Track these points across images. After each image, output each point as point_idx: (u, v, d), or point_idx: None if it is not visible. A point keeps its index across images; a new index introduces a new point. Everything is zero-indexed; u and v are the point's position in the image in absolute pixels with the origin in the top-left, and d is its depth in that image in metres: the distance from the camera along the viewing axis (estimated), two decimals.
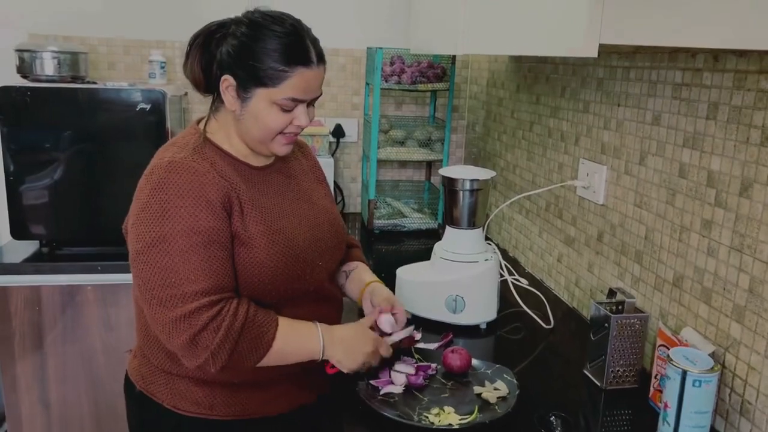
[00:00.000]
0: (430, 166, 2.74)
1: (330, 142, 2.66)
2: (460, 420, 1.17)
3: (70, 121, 2.10)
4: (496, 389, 1.28)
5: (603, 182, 1.61)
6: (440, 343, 1.45)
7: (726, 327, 1.19)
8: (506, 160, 2.30)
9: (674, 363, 1.10)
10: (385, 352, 1.28)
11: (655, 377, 1.26)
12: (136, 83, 2.25)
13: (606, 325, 1.30)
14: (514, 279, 1.88)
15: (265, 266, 1.17)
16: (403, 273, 1.69)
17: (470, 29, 1.44)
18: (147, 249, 1.10)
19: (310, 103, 1.22)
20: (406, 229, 2.48)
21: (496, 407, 1.22)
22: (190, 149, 1.17)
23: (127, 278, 1.20)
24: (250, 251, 1.16)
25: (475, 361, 1.37)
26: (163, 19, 2.52)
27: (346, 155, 2.79)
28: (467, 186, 1.59)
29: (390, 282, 1.65)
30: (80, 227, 2.19)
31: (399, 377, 1.29)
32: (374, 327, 1.31)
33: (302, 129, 1.22)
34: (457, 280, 1.59)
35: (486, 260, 1.60)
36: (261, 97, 1.16)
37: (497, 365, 1.37)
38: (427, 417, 1.18)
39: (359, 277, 1.44)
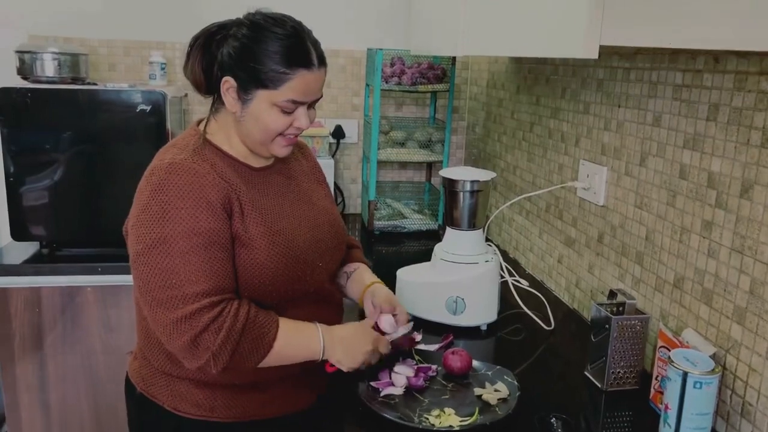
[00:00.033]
0: (430, 167, 2.74)
1: (330, 143, 2.66)
2: (460, 422, 1.17)
3: (70, 122, 2.10)
4: (496, 391, 1.28)
5: (603, 183, 1.61)
6: (441, 345, 1.45)
7: (727, 328, 1.19)
8: (506, 161, 2.30)
9: (675, 364, 1.10)
10: (385, 349, 1.28)
11: (656, 379, 1.26)
12: (137, 84, 2.25)
13: (607, 326, 1.30)
14: (515, 280, 1.88)
15: (266, 267, 1.17)
16: (404, 274, 1.69)
17: (470, 30, 1.44)
18: (147, 250, 1.10)
19: (311, 105, 1.22)
20: (406, 230, 2.48)
21: (497, 409, 1.22)
22: (191, 150, 1.17)
23: (127, 279, 1.20)
24: (250, 252, 1.16)
25: (475, 363, 1.37)
26: (163, 21, 2.52)
27: (347, 156, 2.79)
28: (467, 187, 1.59)
29: (390, 283, 1.65)
30: (80, 228, 2.19)
31: (399, 379, 1.29)
32: (375, 327, 1.31)
33: (302, 131, 1.22)
34: (457, 281, 1.59)
35: (486, 261, 1.60)
36: (262, 98, 1.16)
37: (498, 367, 1.36)
38: (428, 419, 1.18)
39: (360, 278, 1.44)
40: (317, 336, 1.20)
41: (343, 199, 2.80)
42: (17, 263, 2.13)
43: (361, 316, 1.40)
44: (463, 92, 2.81)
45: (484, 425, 1.17)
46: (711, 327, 1.23)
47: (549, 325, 1.65)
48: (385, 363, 1.33)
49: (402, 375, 1.30)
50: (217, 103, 1.23)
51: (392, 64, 2.37)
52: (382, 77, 2.33)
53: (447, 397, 1.27)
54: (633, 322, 1.31)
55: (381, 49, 2.30)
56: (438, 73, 2.40)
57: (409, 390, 1.28)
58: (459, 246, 1.61)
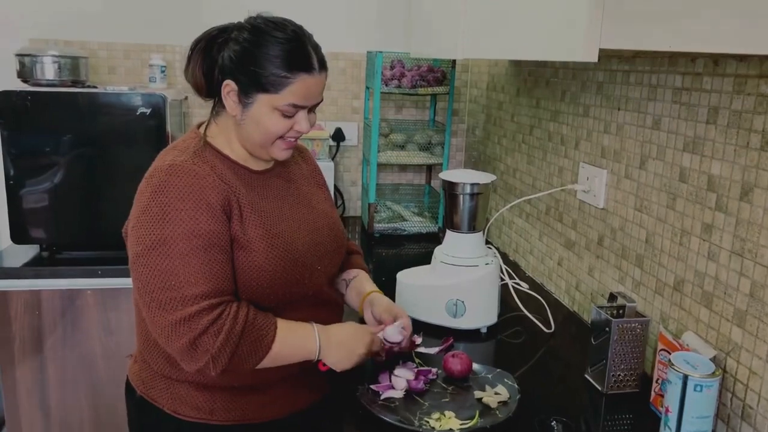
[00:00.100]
0: (430, 169, 2.74)
1: (330, 146, 2.66)
2: (460, 425, 1.17)
3: (70, 125, 2.10)
4: (496, 394, 1.28)
5: (603, 186, 1.61)
6: (441, 348, 1.45)
7: (727, 331, 1.19)
8: (506, 164, 2.30)
9: (675, 367, 1.10)
10: (377, 347, 1.28)
11: (656, 382, 1.26)
12: (137, 87, 2.25)
13: (607, 329, 1.30)
14: (515, 283, 1.88)
15: (264, 270, 1.17)
16: (404, 277, 1.69)
17: (470, 33, 1.44)
18: (147, 252, 1.10)
19: (311, 109, 1.22)
20: (406, 232, 2.48)
21: (497, 412, 1.22)
22: (191, 153, 1.18)
23: (127, 282, 1.20)
24: (249, 255, 1.16)
25: (475, 366, 1.37)
26: (163, 24, 2.52)
27: (346, 159, 2.79)
28: (467, 190, 1.59)
29: (390, 286, 1.66)
30: (80, 231, 2.19)
31: (400, 382, 1.29)
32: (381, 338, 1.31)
33: (302, 134, 1.23)
34: (457, 284, 1.58)
35: (486, 264, 1.60)
36: (262, 102, 1.16)
37: (498, 370, 1.36)
38: (428, 422, 1.18)
39: (359, 286, 1.44)
40: (313, 336, 1.20)
41: (343, 202, 2.81)
42: (17, 266, 2.12)
43: (362, 322, 1.40)
44: (463, 95, 2.81)
45: (484, 428, 1.17)
46: (711, 330, 1.23)
47: (549, 327, 1.65)
48: (385, 366, 1.33)
49: (402, 378, 1.29)
50: (218, 106, 1.23)
51: (392, 67, 2.37)
52: (382, 80, 2.33)
53: (447, 400, 1.27)
54: (633, 325, 1.31)
55: (381, 52, 2.30)
56: (438, 75, 2.40)
57: (410, 393, 1.28)
58: (459, 249, 1.61)
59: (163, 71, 2.42)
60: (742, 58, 1.15)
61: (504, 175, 2.32)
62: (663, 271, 1.38)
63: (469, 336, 1.59)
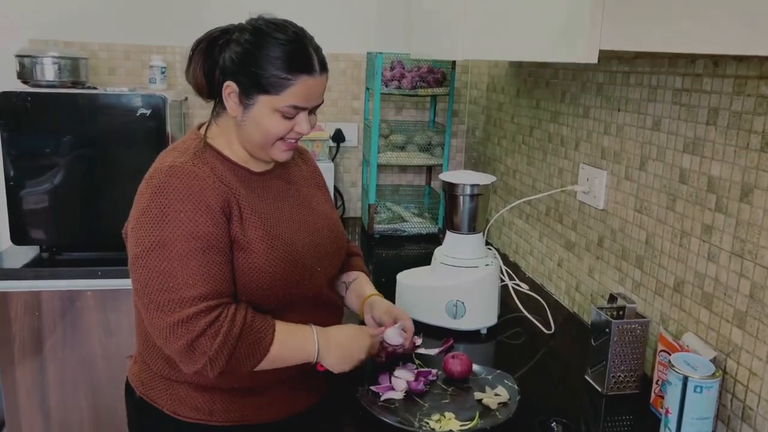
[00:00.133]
0: (430, 170, 2.74)
1: (330, 147, 2.66)
2: (461, 426, 1.17)
3: (70, 126, 2.10)
4: (496, 395, 1.27)
5: (603, 187, 1.61)
6: (441, 349, 1.45)
7: (727, 332, 1.19)
8: (506, 165, 2.30)
9: (675, 369, 1.10)
10: (375, 350, 1.28)
11: (657, 383, 1.26)
12: (137, 88, 2.25)
13: (607, 330, 1.30)
14: (515, 284, 1.88)
15: (264, 271, 1.17)
16: (404, 278, 1.69)
17: (470, 34, 1.44)
18: (146, 253, 1.10)
19: (312, 111, 1.23)
20: (406, 233, 2.48)
21: (497, 413, 1.22)
22: (191, 154, 1.18)
23: (127, 283, 1.20)
24: (248, 256, 1.16)
25: (475, 367, 1.37)
26: (163, 25, 2.53)
27: (346, 160, 2.79)
28: (467, 191, 1.59)
29: (390, 287, 1.66)
30: (80, 232, 2.19)
31: (400, 383, 1.29)
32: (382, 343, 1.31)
33: (303, 136, 1.23)
34: (457, 285, 1.58)
35: (486, 265, 1.60)
36: (263, 103, 1.16)
37: (498, 371, 1.36)
38: (428, 423, 1.18)
39: (359, 289, 1.44)
40: (312, 339, 1.20)
41: (343, 203, 2.81)
42: (17, 267, 2.12)
43: (362, 324, 1.40)
44: (463, 96, 2.81)
45: (484, 429, 1.17)
46: (711, 331, 1.23)
47: (549, 328, 1.65)
48: (385, 367, 1.33)
49: (402, 379, 1.29)
50: (219, 107, 1.23)
51: (392, 68, 2.37)
52: (382, 81, 2.33)
53: (447, 401, 1.27)
54: (633, 325, 1.31)
55: (381, 53, 2.30)
56: (438, 76, 2.40)
57: (410, 394, 1.28)
58: (459, 249, 1.61)
59: (163, 72, 2.42)
60: (741, 59, 1.15)
61: (504, 176, 2.32)
62: (663, 272, 1.38)
63: (469, 337, 1.59)
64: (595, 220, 1.67)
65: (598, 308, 1.34)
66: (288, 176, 1.33)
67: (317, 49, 1.19)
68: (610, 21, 0.91)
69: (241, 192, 1.19)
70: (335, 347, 1.21)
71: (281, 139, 1.20)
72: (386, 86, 2.35)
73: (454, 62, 2.39)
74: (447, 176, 1.63)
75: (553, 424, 1.21)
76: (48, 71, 2.16)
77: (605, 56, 1.58)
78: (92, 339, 2.16)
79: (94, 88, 2.20)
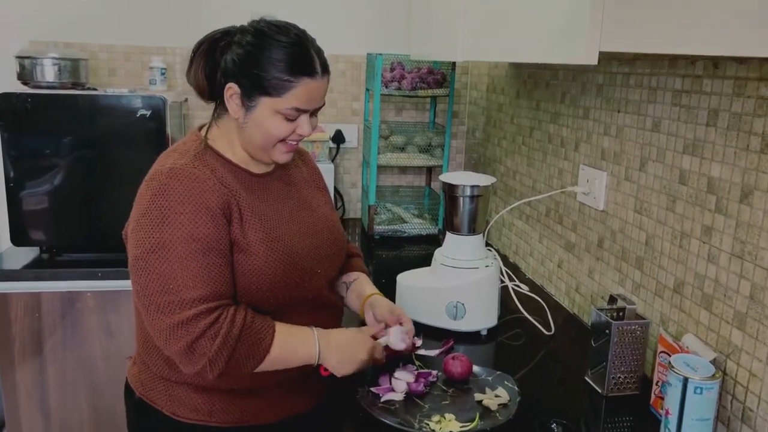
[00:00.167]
0: (430, 171, 2.75)
1: (330, 148, 2.67)
2: (461, 427, 1.17)
3: (70, 127, 2.10)
4: (497, 396, 1.28)
5: (603, 188, 1.61)
6: (441, 350, 1.45)
7: (727, 334, 1.19)
8: (506, 166, 2.30)
9: (675, 370, 1.10)
10: (379, 355, 1.28)
11: (657, 384, 1.26)
12: (137, 89, 2.25)
13: (607, 331, 1.30)
14: (515, 285, 1.88)
15: (264, 273, 1.17)
16: (404, 279, 1.69)
17: (470, 35, 1.44)
18: (146, 255, 1.10)
19: (313, 113, 1.23)
20: (406, 234, 2.48)
21: (497, 414, 1.22)
22: (191, 156, 1.18)
23: (127, 285, 1.21)
24: (248, 258, 1.16)
25: (475, 368, 1.37)
26: (163, 26, 2.53)
27: (347, 161, 2.79)
28: (467, 192, 1.59)
29: (390, 288, 1.65)
30: (80, 233, 2.19)
31: (400, 384, 1.29)
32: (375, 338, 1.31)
33: (304, 138, 1.23)
34: (457, 286, 1.58)
35: (486, 266, 1.60)
36: (265, 105, 1.16)
37: (498, 372, 1.36)
38: (428, 424, 1.18)
39: (359, 289, 1.44)
40: (313, 340, 1.20)
41: (343, 204, 2.81)
42: (17, 268, 2.13)
43: (362, 325, 1.40)
44: (463, 97, 2.81)
45: (484, 431, 1.17)
46: (711, 332, 1.23)
47: (549, 330, 1.65)
48: (385, 368, 1.33)
49: (402, 380, 1.29)
50: (220, 108, 1.24)
51: (392, 69, 2.37)
52: (382, 82, 2.33)
53: (447, 402, 1.27)
54: (633, 327, 1.31)
55: (381, 54, 2.30)
56: (438, 77, 2.40)
57: (410, 395, 1.28)
58: (459, 251, 1.61)
59: (163, 73, 2.42)
60: (741, 61, 1.15)
61: (504, 177, 2.32)
62: (663, 274, 1.38)
63: (470, 338, 1.59)
64: (595, 221, 1.67)
65: (598, 309, 1.34)
66: (288, 178, 1.33)
67: (319, 52, 1.19)
68: (610, 22, 0.91)
69: (242, 194, 1.19)
70: (336, 348, 1.21)
71: (282, 140, 1.20)
72: (386, 87, 2.35)
73: (454, 63, 2.39)
74: (447, 177, 1.63)
75: (554, 426, 1.21)
76: (48, 72, 2.16)
77: (605, 57, 1.58)
78: (92, 340, 2.16)
79: (94, 90, 2.21)
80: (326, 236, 1.32)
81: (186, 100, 2.51)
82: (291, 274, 1.21)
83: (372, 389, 1.28)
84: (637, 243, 1.48)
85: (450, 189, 1.61)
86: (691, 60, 1.28)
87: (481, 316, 1.60)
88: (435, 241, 2.43)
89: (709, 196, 1.23)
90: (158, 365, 1.23)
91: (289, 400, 1.27)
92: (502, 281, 1.76)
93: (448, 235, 1.64)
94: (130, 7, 2.49)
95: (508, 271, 1.92)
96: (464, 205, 1.60)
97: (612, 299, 1.40)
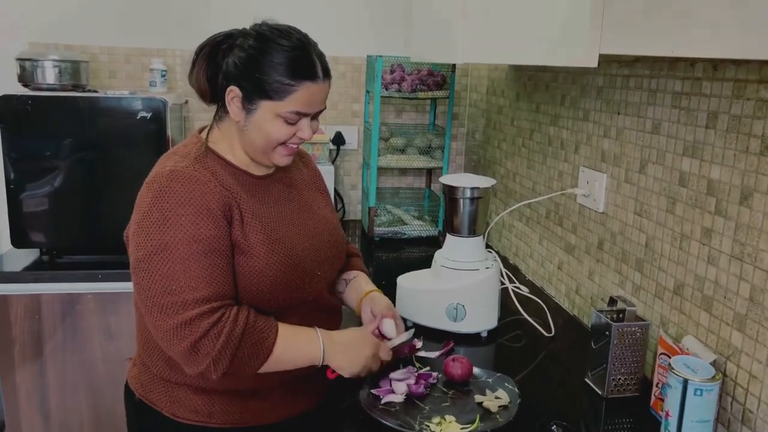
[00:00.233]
0: (430, 173, 2.75)
1: (330, 150, 2.67)
2: (461, 429, 1.17)
3: (70, 129, 2.10)
4: (497, 398, 1.28)
5: (603, 190, 1.61)
6: (441, 352, 1.45)
7: (727, 335, 1.19)
8: (506, 168, 2.30)
9: (675, 372, 1.10)
10: (386, 355, 1.28)
11: (657, 386, 1.26)
12: (137, 92, 2.26)
13: (607, 333, 1.30)
14: (515, 287, 1.88)
15: (264, 275, 1.17)
16: (404, 281, 1.69)
17: (471, 38, 1.44)
18: (148, 257, 1.10)
19: (314, 116, 1.23)
20: (406, 236, 2.48)
21: (498, 416, 1.22)
22: (192, 158, 1.18)
23: (127, 286, 1.21)
24: (249, 260, 1.16)
25: (476, 370, 1.37)
26: (164, 28, 2.53)
27: (347, 163, 2.80)
28: (467, 194, 1.59)
29: (390, 290, 1.65)
30: (80, 235, 2.19)
31: (400, 386, 1.29)
32: (376, 333, 1.32)
33: (304, 141, 1.23)
34: (457, 288, 1.59)
35: (487, 268, 1.60)
36: (266, 109, 1.16)
37: (498, 374, 1.36)
38: (429, 426, 1.18)
39: (358, 286, 1.44)
40: (317, 341, 1.20)
41: (343, 206, 2.81)
42: (17, 270, 2.13)
43: (359, 325, 1.40)
44: (463, 99, 2.81)
45: None
46: (711, 334, 1.23)
47: (549, 331, 1.65)
48: (385, 370, 1.33)
49: (402, 382, 1.29)
50: (221, 111, 1.24)
51: (392, 71, 2.38)
52: (382, 84, 2.34)
53: (448, 404, 1.27)
54: (633, 328, 1.31)
55: (381, 56, 2.31)
56: (438, 80, 2.40)
57: (410, 397, 1.28)
58: (459, 252, 1.61)
59: (163, 75, 2.42)
60: (741, 63, 1.15)
61: (504, 179, 2.32)
62: (663, 275, 1.39)
63: (470, 340, 1.59)
64: (595, 223, 1.67)
65: (598, 311, 1.34)
66: (289, 180, 1.33)
67: (321, 56, 1.19)
68: (610, 25, 0.92)
69: (242, 196, 1.19)
70: (340, 348, 1.21)
71: (283, 144, 1.21)
72: (386, 89, 2.36)
73: (454, 65, 2.40)
74: (447, 179, 1.63)
75: (554, 427, 1.21)
76: (48, 74, 2.17)
77: (605, 60, 1.58)
78: (92, 342, 2.16)
79: (95, 91, 2.21)
80: (326, 238, 1.33)
81: (186, 102, 2.51)
82: (291, 276, 1.21)
83: (372, 391, 1.28)
84: (637, 245, 1.48)
85: (450, 191, 1.61)
86: (691, 62, 1.28)
87: (482, 318, 1.61)
88: (435, 242, 2.43)
89: (709, 198, 1.24)
90: (158, 366, 1.23)
91: (289, 401, 1.27)
92: (502, 283, 1.76)
93: (448, 237, 1.65)
94: (130, 9, 2.49)
95: (508, 272, 1.92)
96: (464, 207, 1.60)
97: (612, 301, 1.40)
